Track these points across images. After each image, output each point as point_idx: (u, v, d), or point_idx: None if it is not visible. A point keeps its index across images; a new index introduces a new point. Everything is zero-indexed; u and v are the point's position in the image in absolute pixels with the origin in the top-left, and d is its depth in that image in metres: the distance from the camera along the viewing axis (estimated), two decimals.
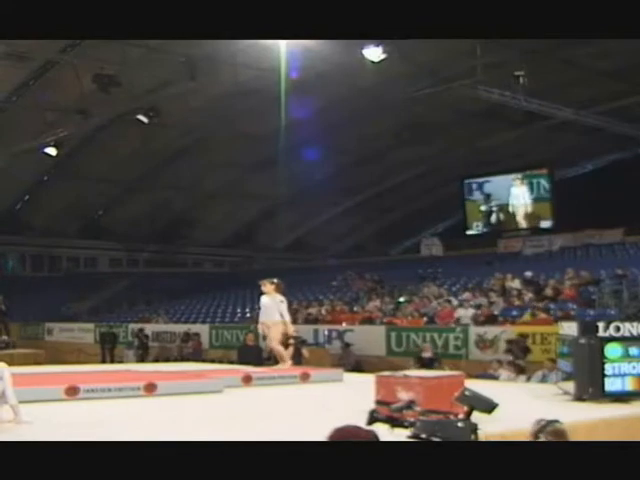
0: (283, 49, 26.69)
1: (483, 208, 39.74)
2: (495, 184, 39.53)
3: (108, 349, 31.37)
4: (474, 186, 40.06)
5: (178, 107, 34.45)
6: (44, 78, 33.69)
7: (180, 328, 32.09)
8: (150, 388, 12.98)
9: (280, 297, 16.29)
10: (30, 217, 46.43)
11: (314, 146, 40.38)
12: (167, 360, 27.40)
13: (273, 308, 16.18)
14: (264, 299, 16.49)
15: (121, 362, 28.23)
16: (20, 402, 9.88)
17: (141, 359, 29.09)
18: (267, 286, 16.34)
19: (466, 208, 40.69)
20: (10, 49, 28.90)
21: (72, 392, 12.39)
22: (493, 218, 39.39)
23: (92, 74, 29.47)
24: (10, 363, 10.52)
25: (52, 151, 36.92)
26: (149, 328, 32.66)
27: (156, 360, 28.24)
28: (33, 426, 9.66)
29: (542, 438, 5.91)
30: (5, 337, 29.13)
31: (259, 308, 17.06)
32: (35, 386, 12.31)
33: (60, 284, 45.22)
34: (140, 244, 49.81)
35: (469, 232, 40.41)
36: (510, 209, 39.16)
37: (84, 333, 35.53)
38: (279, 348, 16.31)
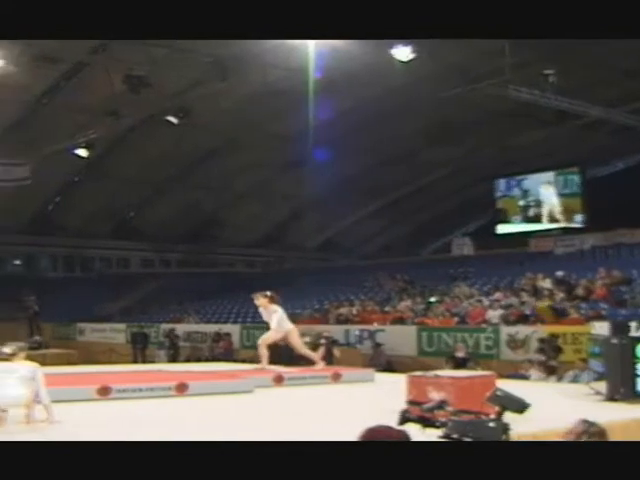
0: (311, 49, 26.67)
1: (521, 203, 39.50)
2: (530, 181, 39.26)
3: (139, 349, 31.49)
4: (512, 183, 39.82)
5: (208, 108, 34.51)
6: (75, 80, 33.91)
7: (211, 328, 32.15)
8: (181, 388, 13.04)
9: (275, 307, 16.17)
10: (62, 218, 46.74)
11: (343, 146, 40.30)
12: (198, 360, 27.47)
13: (271, 318, 16.15)
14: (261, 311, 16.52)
15: (152, 362, 28.32)
16: (53, 402, 9.96)
17: (172, 359, 29.17)
18: (260, 299, 16.31)
19: (504, 204, 40.41)
20: (41, 51, 29.09)
21: (104, 392, 12.47)
22: (531, 212, 39.10)
23: (122, 75, 29.61)
24: (43, 363, 10.60)
25: (83, 152, 37.11)
26: (180, 328, 32.76)
27: (187, 360, 28.33)
28: (65, 426, 9.73)
29: (584, 438, 5.86)
30: (37, 337, 29.31)
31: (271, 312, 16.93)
32: (67, 386, 12.40)
33: (92, 285, 45.50)
34: (171, 245, 50.03)
35: (506, 228, 40.05)
36: (544, 205, 38.89)
37: (116, 333, 35.71)
38: (263, 352, 16.24)
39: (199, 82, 32.15)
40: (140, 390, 12.92)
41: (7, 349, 10.10)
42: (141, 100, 31.07)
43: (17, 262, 49.47)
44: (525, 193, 39.35)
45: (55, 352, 28.86)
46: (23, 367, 9.91)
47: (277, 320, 16.01)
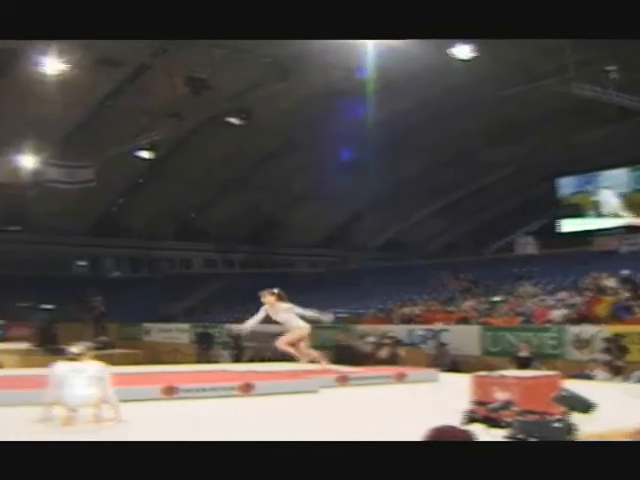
0: (371, 49, 26.61)
1: (593, 199, 38.97)
2: (596, 179, 38.68)
3: (204, 349, 31.69)
4: (584, 180, 39.26)
5: (268, 109, 34.66)
6: (137, 82, 34.28)
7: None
8: (246, 388, 13.11)
9: (284, 305, 15.89)
10: (126, 220, 47.29)
11: (404, 146, 40.21)
12: (262, 360, 27.54)
13: (279, 317, 15.96)
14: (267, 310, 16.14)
15: (216, 362, 28.48)
16: (119, 402, 10.09)
17: (236, 359, 29.29)
18: (267, 297, 16.01)
19: (579, 200, 39.80)
20: (103, 55, 29.47)
21: (169, 392, 12.59)
22: (604, 208, 38.52)
23: (184, 77, 29.85)
24: (109, 363, 10.73)
25: (146, 154, 37.49)
26: (245, 328, 32.82)
27: (251, 360, 28.41)
28: (131, 425, 9.85)
29: None
30: (104, 338, 29.65)
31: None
32: (133, 386, 12.53)
33: (157, 285, 45.92)
34: (234, 245, 50.29)
35: (577, 223, 39.47)
36: (607, 204, 38.29)
37: (180, 333, 35.99)
38: (288, 349, 16.09)
39: (259, 83, 32.26)
40: (205, 390, 13.03)
41: (75, 349, 10.25)
42: (202, 102, 31.30)
43: (83, 263, 50.11)
44: (594, 190, 38.87)
45: (121, 352, 29.17)
46: (92, 367, 10.06)
47: (293, 318, 15.83)
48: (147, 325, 37.97)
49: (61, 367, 10.01)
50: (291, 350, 15.99)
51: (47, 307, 31.87)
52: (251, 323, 16.68)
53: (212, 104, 32.78)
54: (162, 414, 11.20)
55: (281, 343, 16.15)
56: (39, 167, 37.84)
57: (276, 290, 16.02)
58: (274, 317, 16.07)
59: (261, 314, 16.15)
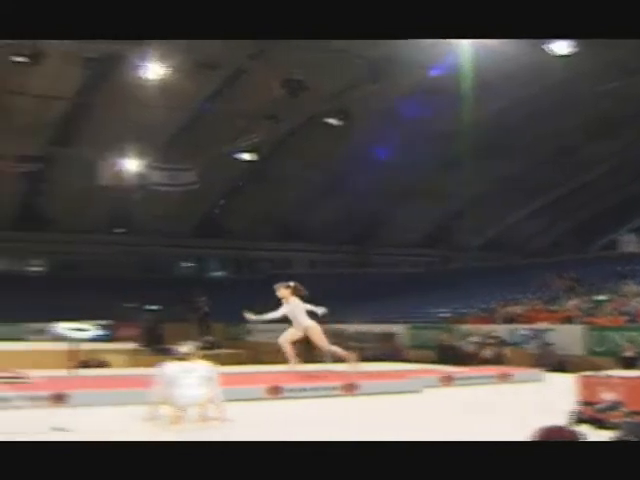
0: (466, 48, 26.34)
1: None
2: None
3: (307, 349, 31.76)
4: None
5: (365, 109, 34.62)
6: (235, 85, 34.63)
7: (378, 328, 32.20)
8: (349, 388, 13.15)
9: (295, 301, 14.90)
10: (228, 221, 47.77)
11: (502, 144, 39.73)
12: (365, 361, 27.55)
13: (295, 313, 14.97)
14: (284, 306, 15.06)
15: (320, 362, 28.58)
16: (225, 401, 10.21)
17: (340, 359, 29.31)
18: (281, 290, 14.98)
19: None
20: (202, 58, 29.84)
21: (274, 392, 12.70)
22: None
23: (281, 79, 30.05)
24: (216, 363, 10.85)
25: (247, 156, 37.84)
26: (347, 329, 32.90)
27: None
28: (236, 425, 9.96)
29: None
30: (210, 337, 29.96)
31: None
32: (239, 386, 12.67)
33: (259, 286, 46.16)
34: (335, 245, 50.38)
35: None
36: None
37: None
38: (287, 348, 15.14)
39: (355, 84, 32.27)
40: (309, 390, 13.11)
41: (184, 349, 10.40)
42: (300, 103, 31.46)
43: (187, 264, 50.82)
44: None
45: (226, 352, 29.46)
46: (202, 367, 10.21)
47: (302, 315, 14.92)
48: (250, 325, 38.23)
49: (171, 367, 10.18)
50: (288, 348, 15.12)
51: (153, 308, 32.44)
52: (264, 316, 15.44)
53: (309, 105, 32.93)
54: (267, 414, 11.30)
55: (283, 340, 15.25)
56: (143, 170, 38.55)
57: (292, 283, 15.09)
58: (286, 312, 15.01)
59: (281, 311, 15.03)
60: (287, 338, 15.17)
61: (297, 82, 29.93)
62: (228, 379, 12.24)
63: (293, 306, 14.61)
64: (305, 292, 15.05)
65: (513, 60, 27.68)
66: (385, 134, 39.93)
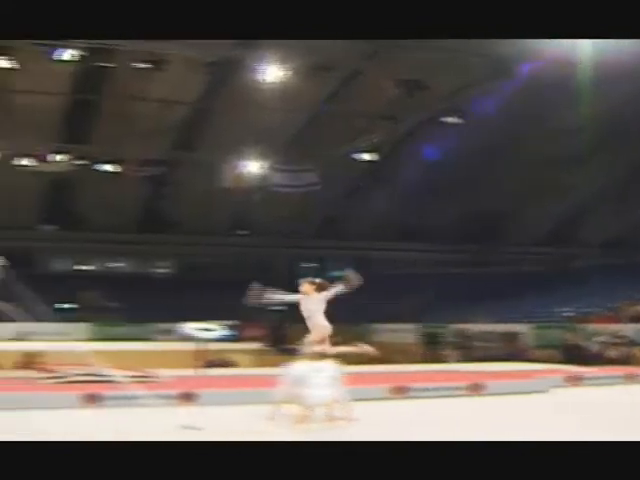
0: (586, 42, 25.74)
1: None
2: None
3: (431, 349, 31.66)
4: None
5: (483, 106, 34.26)
6: (352, 86, 34.69)
7: (502, 328, 31.84)
8: (475, 388, 13.02)
9: (318, 297, 13.40)
10: (349, 222, 47.84)
11: (624, 138, 38.75)
12: (490, 360, 27.28)
13: (312, 311, 13.27)
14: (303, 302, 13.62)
15: (443, 362, 28.41)
16: (350, 400, 10.22)
17: (463, 359, 29.11)
18: (306, 286, 13.56)
19: None
20: (318, 61, 30.04)
21: (398, 391, 12.67)
22: None
23: (398, 79, 29.98)
24: (340, 363, 10.86)
25: (367, 157, 37.87)
26: (471, 328, 32.65)
27: (478, 360, 28.18)
28: (362, 424, 9.95)
29: None
30: (331, 338, 30.07)
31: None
32: (363, 385, 12.66)
33: (384, 285, 46.05)
34: (457, 244, 49.95)
35: None
36: None
37: (407, 334, 36.06)
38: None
39: (473, 82, 31.97)
40: (434, 389, 13.04)
41: (316, 348, 10.45)
42: (417, 103, 31.33)
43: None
44: None
45: (350, 352, 29.47)
46: (330, 367, 10.37)
47: (320, 314, 13.17)
48: (374, 325, 38.24)
49: (300, 367, 10.33)
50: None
51: (277, 308, 32.67)
52: (279, 296, 13.64)
53: (427, 104, 32.77)
54: (392, 413, 11.28)
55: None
56: (264, 172, 38.97)
57: (318, 280, 13.81)
58: (303, 308, 13.44)
59: (293, 297, 13.51)
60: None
61: (414, 82, 29.85)
62: (354, 379, 12.26)
63: (311, 303, 13.25)
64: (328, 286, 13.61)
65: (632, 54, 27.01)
66: (506, 131, 39.42)
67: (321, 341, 13.41)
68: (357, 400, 10.70)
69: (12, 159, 36.18)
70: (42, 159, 36.44)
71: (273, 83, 31.08)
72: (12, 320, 13.02)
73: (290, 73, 30.51)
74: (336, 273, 49.62)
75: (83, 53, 28.97)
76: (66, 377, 13.02)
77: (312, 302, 13.19)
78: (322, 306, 13.12)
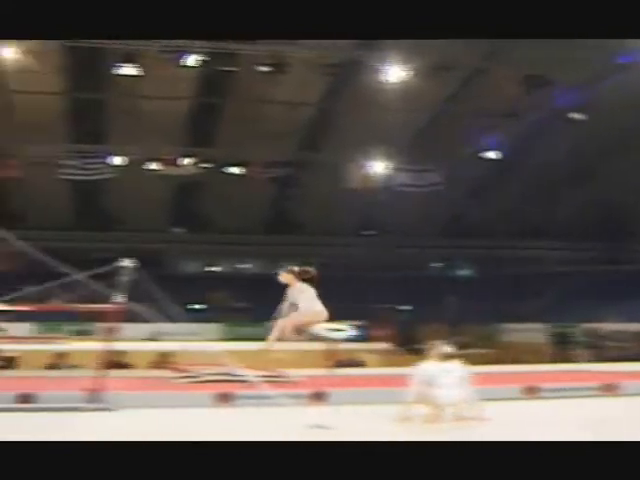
0: None
1: None
2: None
3: (560, 349, 31.16)
4: None
5: (606, 103, 33.54)
6: (474, 85, 34.44)
7: (635, 327, 31.13)
8: (610, 388, 12.75)
9: (302, 286, 12.38)
10: (475, 220, 47.40)
11: None
12: (623, 360, 26.66)
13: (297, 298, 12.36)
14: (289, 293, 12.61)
15: (573, 362, 27.93)
16: (480, 400, 10.20)
17: (595, 359, 28.54)
18: (284, 276, 12.53)
19: None
20: (439, 61, 30.02)
21: (530, 391, 12.51)
22: None
23: (521, 76, 29.66)
24: (467, 363, 10.80)
25: (492, 154, 37.56)
26: (603, 327, 32.02)
27: (611, 360, 27.59)
28: (493, 424, 9.88)
29: None
30: (461, 338, 29.89)
31: None
32: (494, 385, 12.56)
33: (512, 285, 45.56)
34: (586, 242, 49.00)
35: None
36: None
37: (535, 333, 35.57)
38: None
39: (595, 77, 31.38)
40: (566, 390, 12.83)
41: (442, 349, 10.44)
42: (539, 99, 30.91)
43: (436, 264, 50.76)
44: None
45: (477, 352, 29.27)
46: (459, 367, 10.36)
47: (312, 300, 12.24)
48: (502, 325, 37.87)
49: (430, 367, 10.31)
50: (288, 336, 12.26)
51: (405, 308, 32.73)
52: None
53: (550, 100, 32.30)
54: (523, 414, 11.15)
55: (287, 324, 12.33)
56: (389, 172, 39.02)
57: (296, 268, 12.72)
58: (291, 299, 12.49)
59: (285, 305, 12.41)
60: (291, 322, 12.33)
61: (537, 77, 29.49)
62: (484, 379, 12.15)
63: (297, 292, 12.36)
64: (314, 273, 12.55)
65: None
66: (633, 127, 38.51)
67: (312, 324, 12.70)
68: (488, 400, 10.63)
69: (142, 164, 37.16)
70: (171, 163, 37.29)
71: (395, 83, 31.20)
72: (145, 321, 13.32)
73: (412, 73, 30.58)
74: (463, 272, 49.60)
75: (206, 58, 29.66)
76: (199, 377, 13.28)
77: (298, 290, 12.76)
78: (311, 292, 12.53)
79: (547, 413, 11.30)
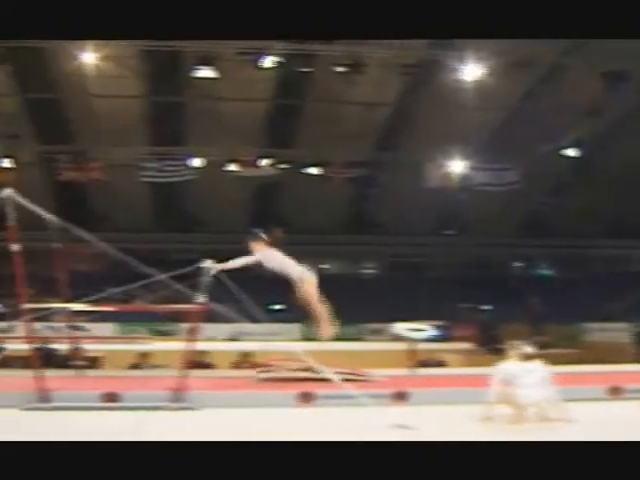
0: None
1: None
2: None
3: None
4: None
5: None
6: (552, 81, 34.03)
7: None
8: None
9: (273, 252, 12.88)
10: (553, 219, 46.79)
11: None
12: None
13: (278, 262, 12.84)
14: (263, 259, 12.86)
15: None
16: (563, 401, 10.12)
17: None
18: (255, 245, 12.83)
19: None
20: (516, 58, 29.86)
21: (615, 392, 12.38)
22: None
23: (600, 72, 29.30)
24: (549, 363, 10.70)
25: (572, 152, 37.14)
26: None
27: None
28: (577, 425, 9.78)
29: None
30: (542, 338, 29.63)
31: None
32: (577, 385, 12.42)
33: (595, 284, 44.94)
34: None
35: None
36: None
37: (620, 333, 35.07)
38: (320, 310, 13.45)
39: None
40: None
41: (524, 349, 10.38)
42: (621, 95, 30.47)
43: (518, 264, 50.32)
44: None
45: (560, 352, 28.98)
46: (541, 367, 10.27)
47: (292, 266, 12.95)
48: (586, 325, 37.40)
49: (512, 367, 10.25)
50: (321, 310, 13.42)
51: (487, 308, 32.48)
52: (227, 265, 12.30)
53: (633, 96, 31.83)
54: (608, 414, 11.02)
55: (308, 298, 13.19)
56: (467, 171, 38.82)
57: (262, 234, 12.93)
58: (267, 266, 12.85)
59: (244, 260, 12.78)
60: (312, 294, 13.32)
61: (618, 74, 29.12)
62: (567, 379, 12.01)
63: (272, 256, 12.75)
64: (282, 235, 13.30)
65: None
66: None
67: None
68: (573, 400, 10.53)
69: (221, 165, 37.51)
70: (251, 164, 37.58)
71: (472, 82, 31.09)
72: (227, 321, 13.46)
73: (489, 72, 30.44)
74: (544, 272, 49.05)
75: (283, 59, 29.89)
76: (281, 371, 13.37)
77: (272, 255, 12.87)
78: (284, 256, 12.84)
79: (631, 414, 11.16)
